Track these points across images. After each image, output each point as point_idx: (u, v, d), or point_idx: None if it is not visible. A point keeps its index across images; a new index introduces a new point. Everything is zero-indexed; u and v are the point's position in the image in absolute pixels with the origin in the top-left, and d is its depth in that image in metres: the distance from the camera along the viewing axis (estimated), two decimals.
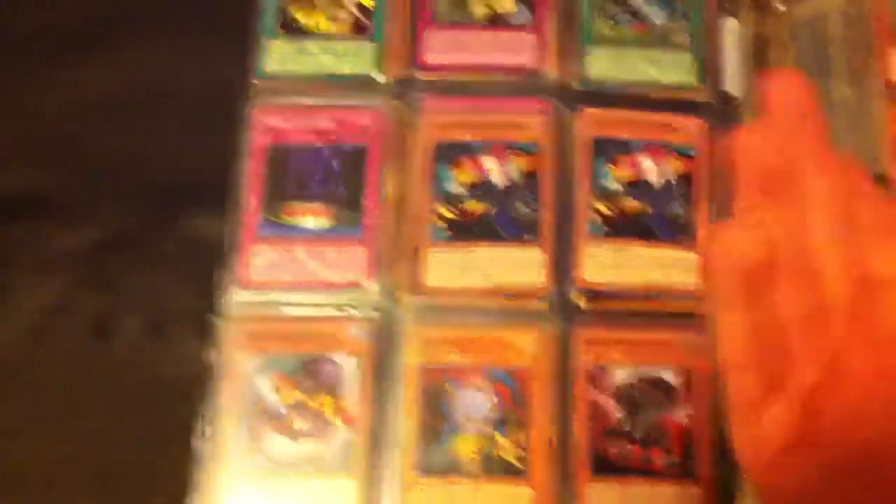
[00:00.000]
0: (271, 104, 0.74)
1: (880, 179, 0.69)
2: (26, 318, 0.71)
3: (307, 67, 0.75)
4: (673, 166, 0.72)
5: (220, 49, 0.76)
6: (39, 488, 0.67)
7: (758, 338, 0.45)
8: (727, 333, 0.46)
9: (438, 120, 0.73)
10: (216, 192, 0.72)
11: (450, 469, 0.66)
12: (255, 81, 0.75)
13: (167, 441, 0.67)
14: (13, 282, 0.72)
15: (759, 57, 0.74)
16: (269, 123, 0.74)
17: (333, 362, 0.68)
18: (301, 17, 0.77)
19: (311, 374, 0.68)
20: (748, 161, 0.49)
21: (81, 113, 0.76)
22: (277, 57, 0.76)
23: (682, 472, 0.66)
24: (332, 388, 0.67)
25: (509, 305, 0.69)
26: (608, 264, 0.70)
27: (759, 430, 0.44)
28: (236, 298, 0.70)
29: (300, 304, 0.70)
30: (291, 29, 0.76)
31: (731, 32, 0.76)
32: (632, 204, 0.72)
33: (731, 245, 0.47)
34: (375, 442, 0.66)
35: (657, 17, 0.77)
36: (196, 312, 0.70)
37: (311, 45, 0.76)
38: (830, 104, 0.71)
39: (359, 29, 0.76)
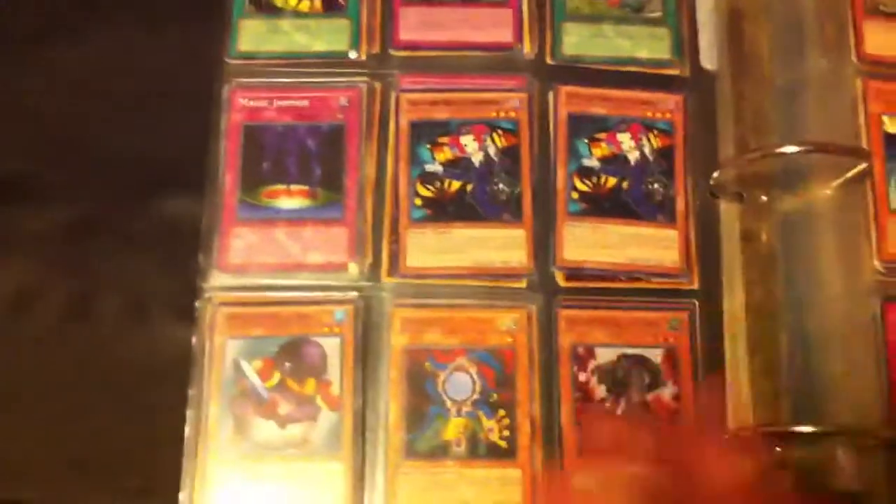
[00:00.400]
0: (245, 84, 0.74)
1: (856, 153, 0.69)
2: (1, 302, 0.71)
3: (280, 46, 0.75)
4: (651, 142, 0.73)
5: (192, 29, 0.75)
6: (17, 474, 0.67)
7: None
8: None
9: (414, 98, 0.73)
10: (192, 174, 0.71)
11: (436, 451, 0.66)
12: (227, 61, 0.74)
13: (148, 425, 0.68)
14: None
15: (733, 30, 0.74)
16: (243, 103, 0.73)
17: (316, 344, 0.68)
18: None
19: (293, 356, 0.68)
20: None
21: (54, 95, 0.75)
22: (250, 36, 0.75)
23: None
24: (315, 371, 0.67)
25: (490, 285, 0.69)
26: (588, 243, 0.70)
27: None
28: (216, 281, 0.69)
29: (281, 287, 0.69)
30: (263, 7, 0.76)
31: (706, 6, 0.76)
32: (610, 181, 0.72)
33: None
34: (361, 424, 0.66)
35: None
36: (174, 294, 0.70)
37: (283, 24, 0.75)
38: (805, 77, 0.71)
39: (332, 6, 0.76)
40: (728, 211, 0.71)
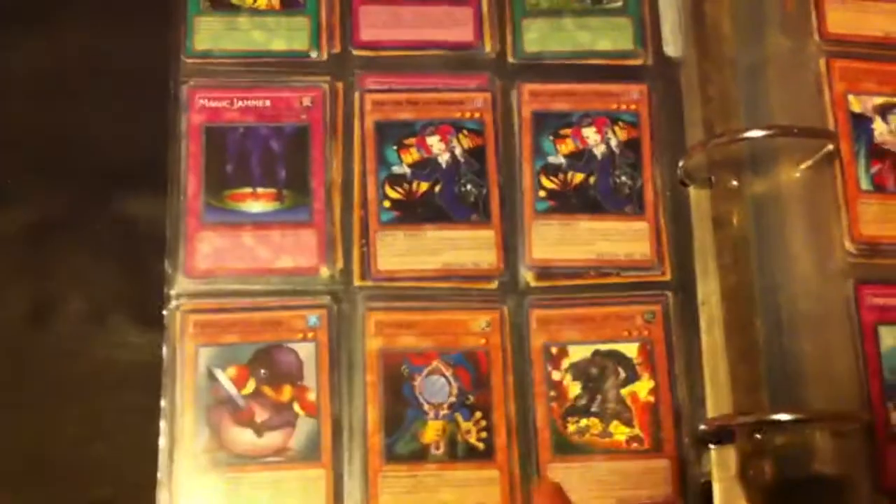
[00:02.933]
0: (204, 84, 0.72)
1: (821, 135, 0.69)
2: None
3: (238, 44, 0.74)
4: (617, 134, 0.72)
5: (148, 26, 0.74)
6: None
7: None
8: None
9: (378, 98, 0.72)
10: (153, 176, 0.70)
11: (415, 454, 0.66)
12: (184, 59, 0.73)
13: (117, 434, 0.67)
14: None
15: (696, 13, 0.73)
16: (203, 104, 0.72)
17: (291, 350, 0.68)
18: None
19: (268, 363, 0.67)
20: None
21: (8, 93, 0.74)
22: (207, 34, 0.74)
23: (644, 445, 0.67)
24: (291, 377, 0.67)
25: (462, 286, 0.69)
26: (557, 240, 0.70)
27: None
28: (183, 287, 0.69)
29: (252, 293, 0.69)
30: (219, 4, 0.74)
31: None
32: (577, 177, 0.71)
33: None
34: (339, 429, 0.66)
35: None
36: (139, 301, 0.69)
37: (241, 21, 0.74)
38: (768, 59, 0.70)
39: (290, 3, 0.74)
40: (698, 198, 0.71)
